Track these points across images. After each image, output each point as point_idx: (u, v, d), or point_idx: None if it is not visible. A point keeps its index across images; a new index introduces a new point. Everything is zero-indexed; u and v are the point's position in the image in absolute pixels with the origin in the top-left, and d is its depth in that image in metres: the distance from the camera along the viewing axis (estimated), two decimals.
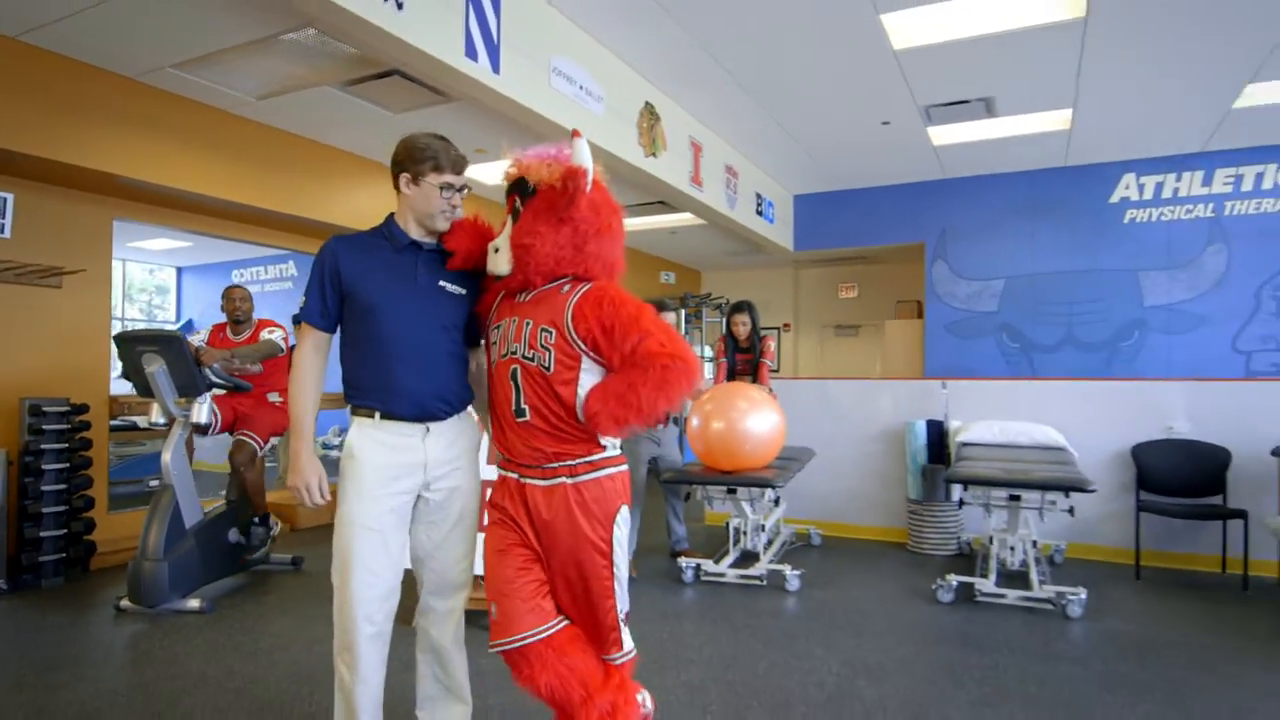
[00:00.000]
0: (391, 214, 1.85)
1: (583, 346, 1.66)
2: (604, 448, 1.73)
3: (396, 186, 1.81)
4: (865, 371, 8.70)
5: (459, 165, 1.81)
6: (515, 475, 1.74)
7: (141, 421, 5.48)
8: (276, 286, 9.97)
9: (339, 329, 1.82)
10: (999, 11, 4.01)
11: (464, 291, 1.84)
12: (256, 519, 3.60)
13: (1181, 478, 4.10)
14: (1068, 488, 3.21)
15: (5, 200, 3.64)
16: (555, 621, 1.72)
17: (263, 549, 3.60)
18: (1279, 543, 3.81)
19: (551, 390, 1.66)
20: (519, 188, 1.75)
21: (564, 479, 1.68)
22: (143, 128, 3.96)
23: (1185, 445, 4.16)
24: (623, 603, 1.75)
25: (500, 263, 1.73)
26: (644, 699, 1.89)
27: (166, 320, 10.45)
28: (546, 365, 1.66)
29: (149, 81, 3.98)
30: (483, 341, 1.89)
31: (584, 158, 1.70)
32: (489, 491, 1.85)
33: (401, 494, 1.77)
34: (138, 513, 4.45)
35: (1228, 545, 3.98)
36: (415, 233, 1.82)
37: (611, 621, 1.74)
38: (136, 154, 3.92)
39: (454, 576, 1.87)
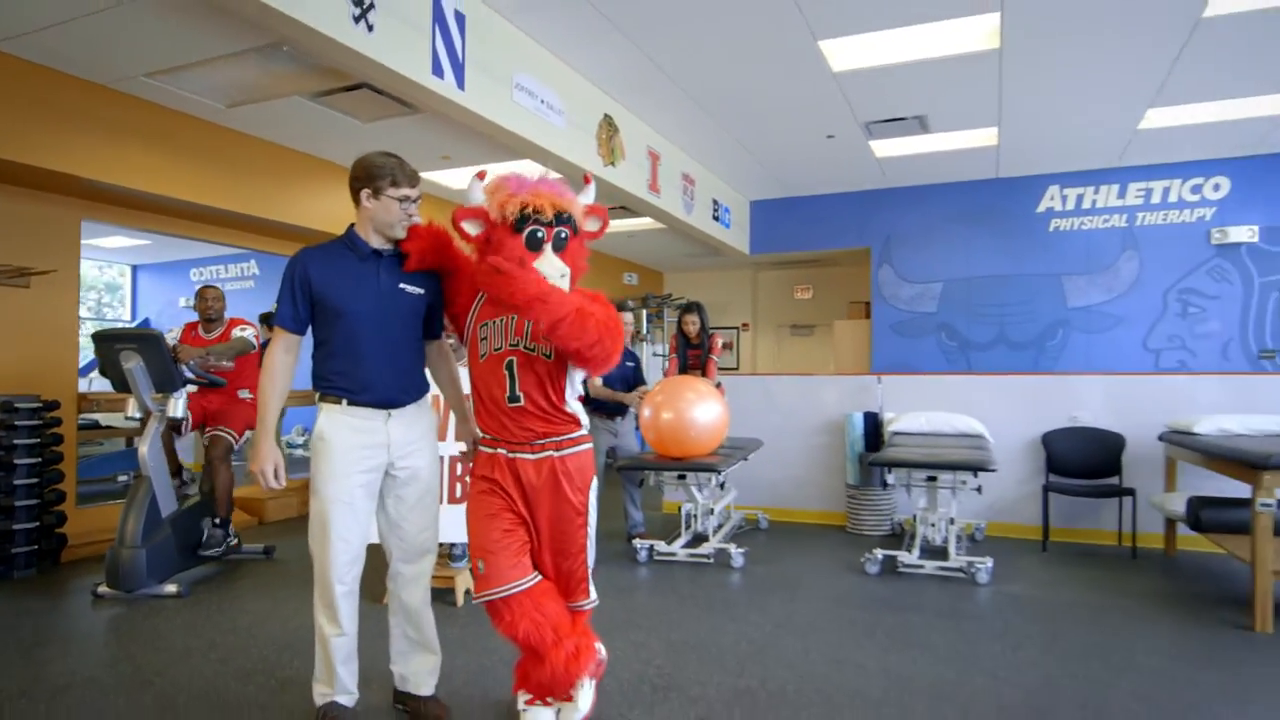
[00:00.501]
0: (352, 225, 2.08)
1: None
2: (581, 428, 2.06)
3: (357, 202, 2.04)
4: (820, 369, 9.11)
5: (413, 180, 2.06)
6: (504, 451, 2.01)
7: (102, 419, 5.56)
8: (237, 285, 9.96)
9: (311, 329, 2.05)
10: (923, 41, 4.41)
11: (422, 291, 2.09)
12: (217, 520, 3.73)
13: (1083, 461, 4.55)
14: (973, 468, 3.60)
15: None
16: (533, 576, 2.01)
17: (216, 549, 3.69)
18: (1164, 517, 4.27)
19: (550, 374, 1.97)
20: (561, 221, 1.95)
21: (551, 453, 1.99)
22: (112, 132, 4.10)
23: (1087, 432, 4.62)
24: (592, 557, 2.08)
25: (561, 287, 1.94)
26: (600, 647, 2.19)
27: (119, 319, 10.34)
28: (549, 353, 1.96)
29: (121, 89, 4.12)
30: (450, 336, 2.16)
31: (592, 196, 2.09)
32: (458, 467, 2.11)
33: (368, 471, 2.02)
34: (103, 507, 4.57)
35: (1122, 521, 4.44)
36: (375, 241, 2.06)
37: (583, 573, 2.07)
38: (105, 157, 4.05)
39: (420, 543, 2.13)
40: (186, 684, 2.46)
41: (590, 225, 2.07)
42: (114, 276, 10.65)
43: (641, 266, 9.94)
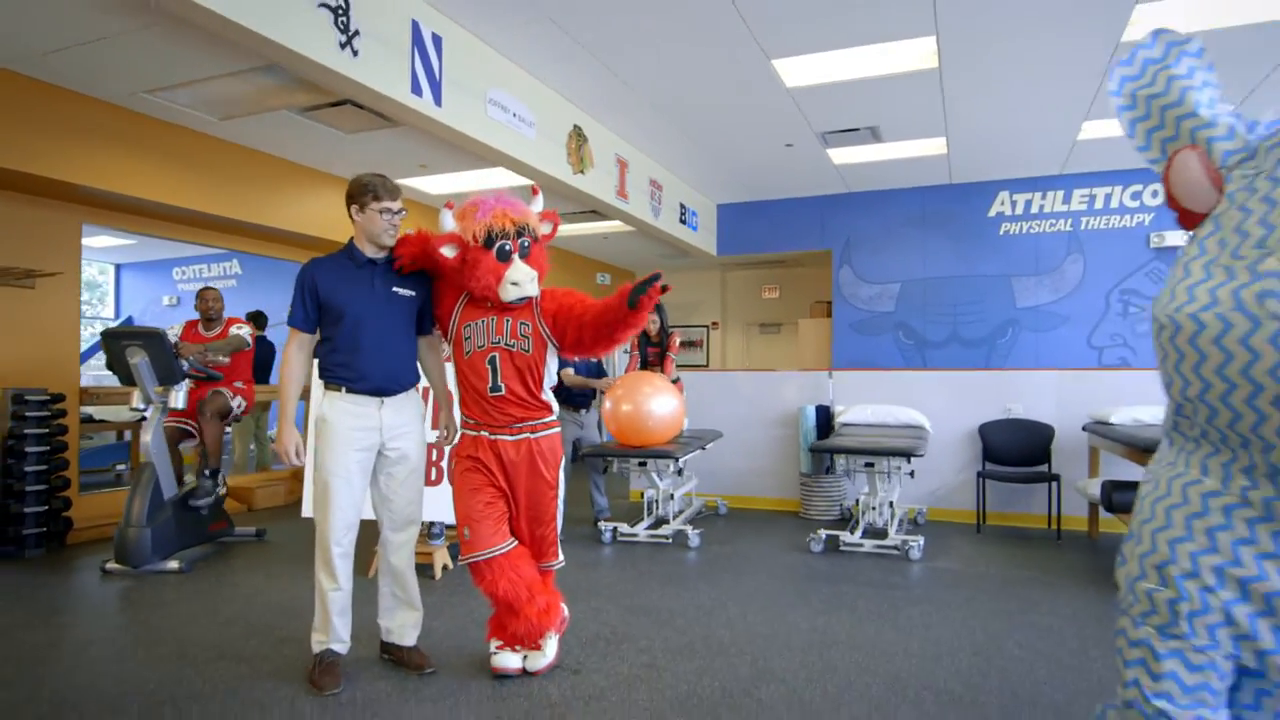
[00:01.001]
0: (351, 238, 2.44)
1: (548, 333, 2.37)
2: (553, 414, 2.45)
3: (351, 217, 2.40)
4: (787, 365, 9.50)
5: (395, 194, 2.40)
6: (487, 434, 2.37)
7: (96, 413, 5.83)
8: (220, 284, 10.15)
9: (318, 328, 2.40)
10: (867, 60, 4.79)
11: (413, 294, 2.44)
12: (208, 471, 4.05)
13: (1016, 450, 4.98)
14: (903, 454, 4.00)
15: None
16: (511, 542, 2.38)
17: (207, 499, 4.01)
18: (1087, 501, 4.71)
19: (527, 369, 2.34)
20: (522, 233, 2.32)
21: (528, 435, 2.38)
22: (112, 143, 4.37)
23: (1020, 423, 5.05)
24: (560, 524, 2.49)
25: (529, 289, 2.31)
26: (564, 607, 2.56)
27: (100, 318, 10.48)
28: (527, 349, 2.34)
29: (122, 104, 4.40)
30: (439, 333, 2.51)
31: (541, 205, 2.45)
32: (434, 453, 2.45)
33: (363, 450, 2.36)
34: (102, 495, 4.85)
35: (1051, 505, 4.87)
36: (369, 251, 2.41)
37: (553, 538, 2.48)
38: (105, 167, 4.33)
39: (407, 514, 2.47)
40: (197, 641, 2.79)
41: (544, 229, 2.43)
42: (93, 275, 10.75)
43: (614, 267, 10.30)
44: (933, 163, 7.01)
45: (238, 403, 4.18)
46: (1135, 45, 1.37)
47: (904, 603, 3.30)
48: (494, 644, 2.46)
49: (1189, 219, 1.28)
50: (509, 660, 2.42)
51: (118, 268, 10.85)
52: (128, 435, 6.26)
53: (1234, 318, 1.09)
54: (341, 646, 2.41)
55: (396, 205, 2.39)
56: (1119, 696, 1.28)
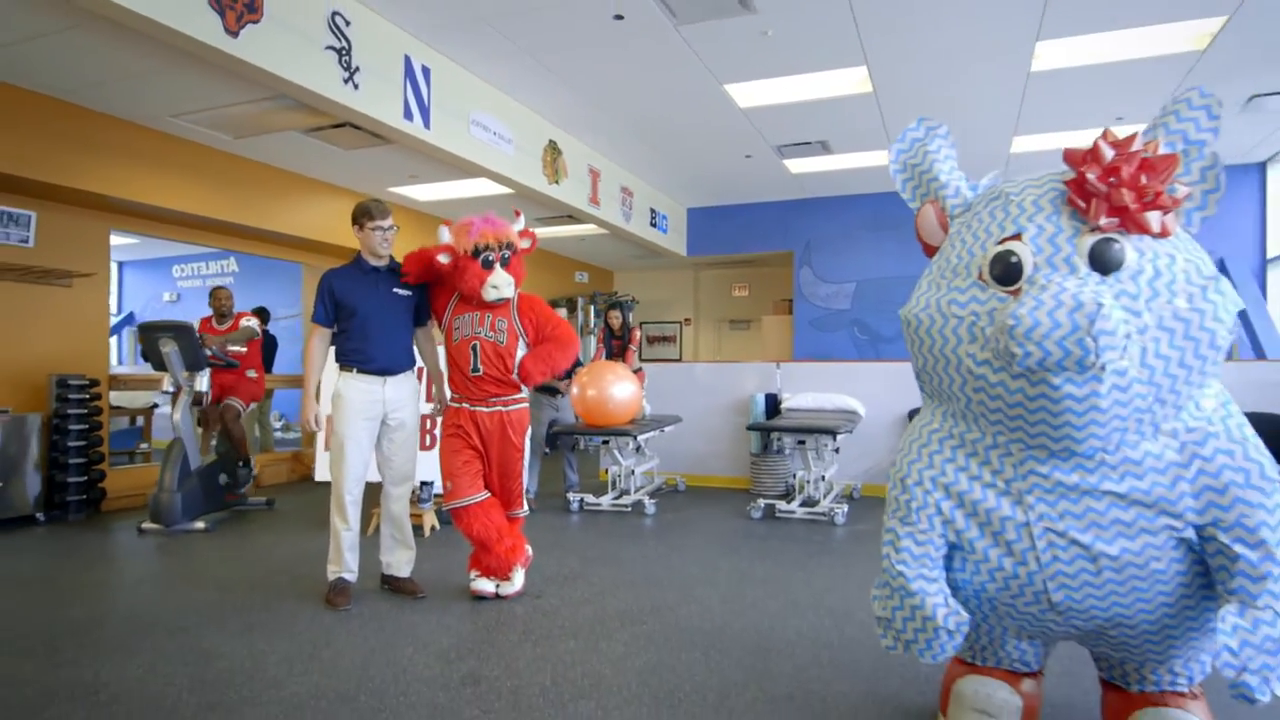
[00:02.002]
0: (358, 252, 3.08)
1: (521, 331, 3.03)
2: (521, 392, 3.10)
3: (356, 234, 3.04)
4: (754, 360, 10.18)
5: (386, 214, 3.04)
6: (468, 406, 3.02)
7: (114, 399, 6.40)
8: (217, 282, 10.67)
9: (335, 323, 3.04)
10: (808, 85, 5.43)
11: (410, 294, 3.09)
12: (241, 461, 4.72)
13: None
14: (829, 432, 4.66)
15: (30, 217, 4.60)
16: (484, 493, 3.02)
17: (247, 485, 4.72)
18: None
19: (500, 356, 2.98)
20: (504, 248, 2.97)
21: (500, 408, 3.02)
22: (139, 159, 4.97)
23: None
24: (525, 479, 3.17)
25: (505, 292, 2.96)
26: (528, 547, 3.21)
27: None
28: (502, 341, 2.98)
29: (151, 126, 4.99)
30: (434, 324, 3.16)
31: (521, 224, 3.10)
32: (427, 422, 3.06)
33: (371, 419, 2.99)
34: (128, 469, 5.46)
35: None
36: (372, 261, 3.05)
37: (518, 490, 3.13)
38: (132, 181, 4.92)
39: (405, 471, 3.12)
40: (230, 577, 3.41)
41: (523, 244, 3.08)
42: None
43: (593, 266, 10.93)
44: (883, 172, 7.66)
45: (249, 408, 4.84)
46: (906, 129, 2.01)
47: (819, 554, 3.97)
48: (473, 574, 3.10)
49: (929, 250, 1.93)
50: (485, 585, 3.07)
51: (120, 265, 11.33)
52: (140, 421, 6.84)
53: (936, 316, 1.73)
54: (351, 575, 3.04)
55: (388, 223, 3.03)
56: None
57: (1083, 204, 1.55)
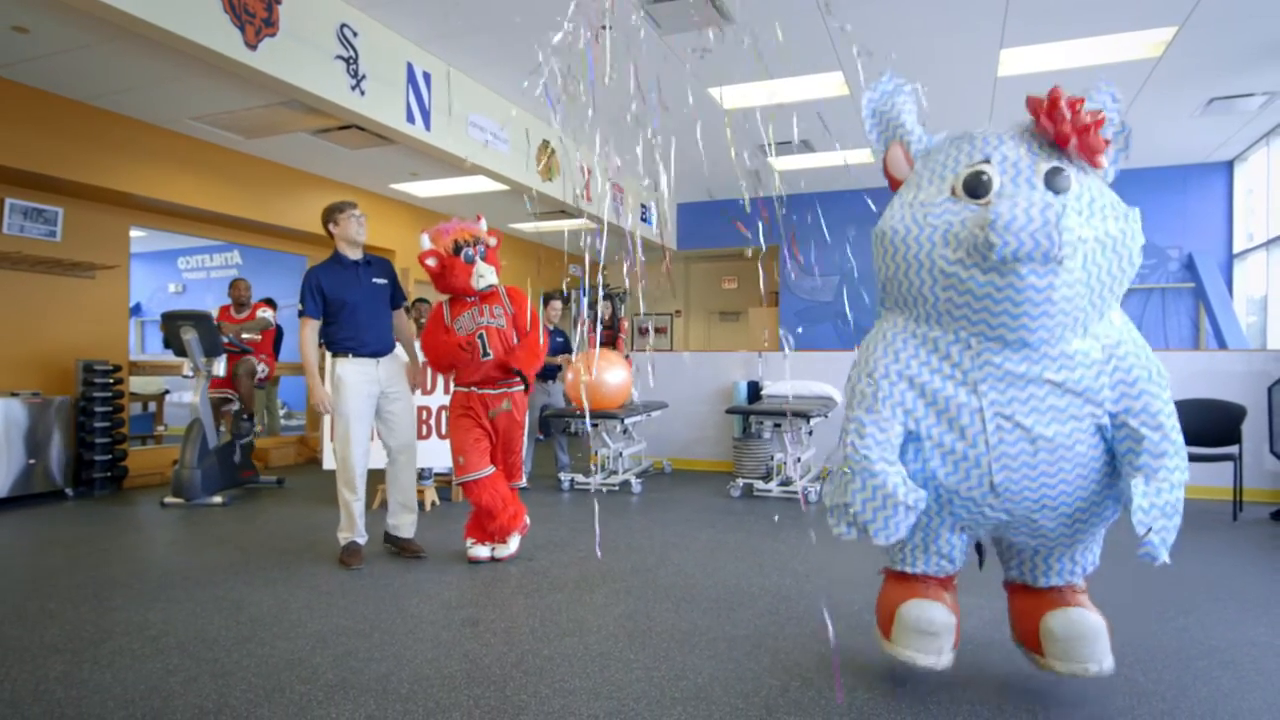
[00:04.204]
0: (335, 250, 3.37)
1: (512, 313, 3.42)
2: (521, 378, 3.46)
3: (329, 233, 3.37)
4: (741, 350, 10.51)
5: (353, 203, 3.39)
6: (476, 389, 3.37)
7: (139, 384, 6.73)
8: (221, 274, 10.96)
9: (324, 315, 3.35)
10: (786, 90, 5.75)
11: (385, 282, 3.44)
12: (246, 416, 5.07)
13: None
14: (801, 415, 5.01)
15: (58, 213, 4.91)
16: (491, 467, 3.37)
17: (247, 438, 5.05)
18: None
19: (505, 337, 3.36)
20: (478, 243, 3.34)
21: (505, 390, 3.37)
22: (159, 159, 5.28)
23: None
24: (524, 455, 3.51)
25: (490, 279, 3.34)
26: (526, 517, 3.55)
27: None
28: (502, 325, 3.37)
29: (169, 127, 5.30)
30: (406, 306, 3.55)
31: (485, 225, 3.45)
32: (424, 413, 3.42)
33: (368, 397, 3.33)
34: (145, 450, 5.79)
35: None
36: (351, 254, 3.37)
37: (519, 462, 3.50)
38: (152, 178, 5.24)
39: (407, 438, 3.46)
40: (250, 542, 3.76)
41: (491, 241, 3.43)
42: None
43: (584, 260, 11.22)
44: (865, 169, 7.99)
45: (262, 368, 5.15)
46: (877, 81, 2.32)
47: (789, 528, 4.31)
48: (470, 541, 3.44)
49: (894, 184, 2.21)
50: (481, 551, 3.41)
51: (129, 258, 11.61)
52: (152, 407, 7.17)
53: (911, 226, 2.00)
54: (361, 539, 3.39)
55: (358, 211, 3.40)
56: (842, 456, 2.18)
57: (1049, 125, 1.87)
